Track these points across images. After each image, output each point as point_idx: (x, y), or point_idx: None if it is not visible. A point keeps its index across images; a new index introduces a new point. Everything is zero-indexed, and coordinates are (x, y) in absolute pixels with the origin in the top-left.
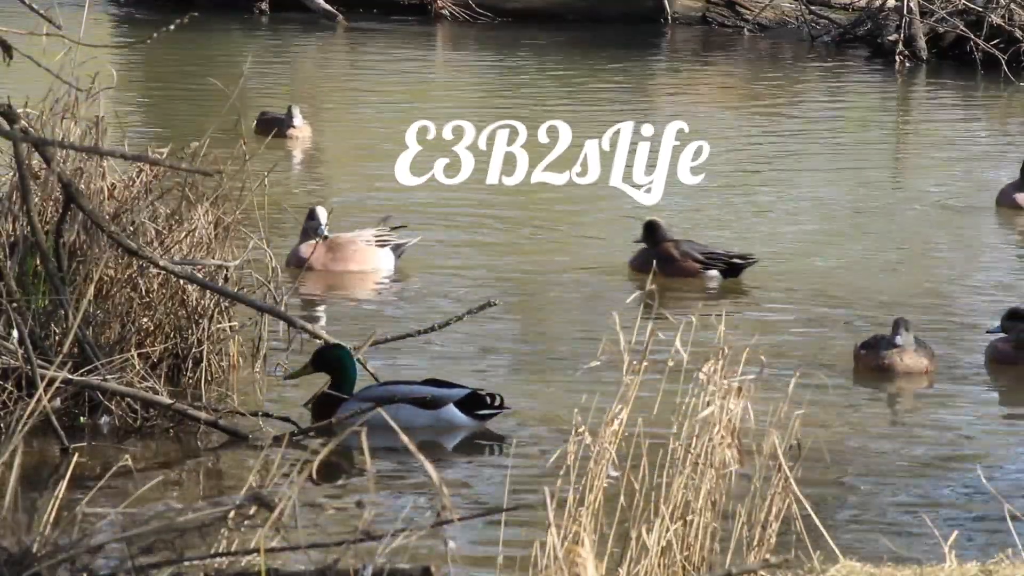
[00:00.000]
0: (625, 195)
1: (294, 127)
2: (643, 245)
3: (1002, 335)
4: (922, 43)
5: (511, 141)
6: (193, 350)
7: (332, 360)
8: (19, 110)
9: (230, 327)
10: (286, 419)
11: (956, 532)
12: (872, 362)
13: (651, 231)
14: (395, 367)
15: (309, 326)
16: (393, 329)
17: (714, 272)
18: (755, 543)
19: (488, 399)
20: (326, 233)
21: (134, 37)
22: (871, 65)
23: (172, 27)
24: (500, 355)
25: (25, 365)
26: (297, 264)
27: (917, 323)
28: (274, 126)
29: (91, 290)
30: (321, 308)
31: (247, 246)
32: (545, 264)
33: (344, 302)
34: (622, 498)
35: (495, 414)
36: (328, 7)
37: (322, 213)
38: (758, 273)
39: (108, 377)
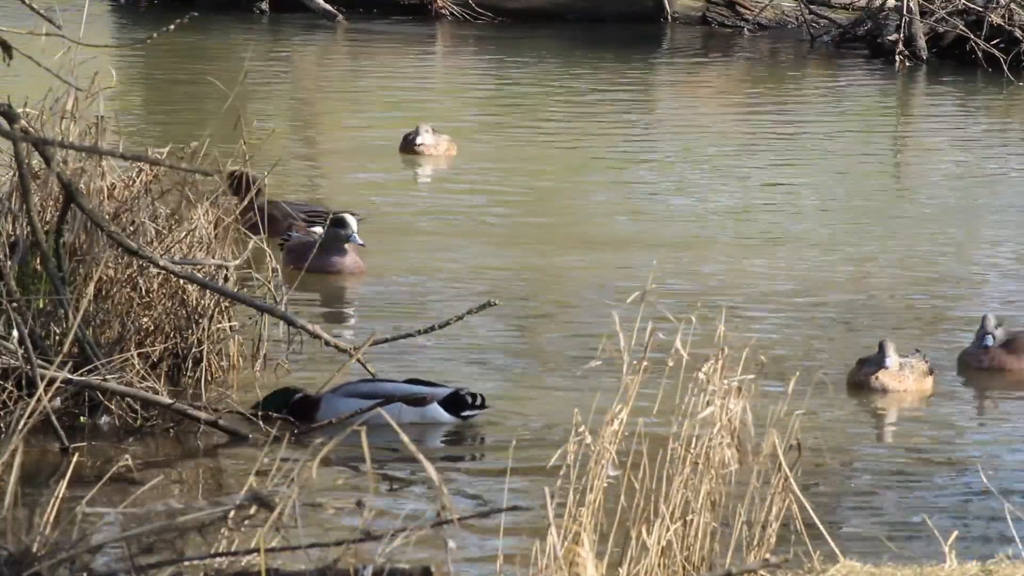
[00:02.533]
0: (624, 194)
1: (417, 145)
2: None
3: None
4: (922, 43)
5: (513, 142)
6: (193, 350)
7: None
8: (19, 110)
9: (230, 327)
10: (286, 419)
11: (956, 532)
12: (854, 377)
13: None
14: (395, 367)
15: (309, 326)
16: (393, 329)
17: (318, 229)
18: (755, 543)
19: (470, 398)
20: (360, 240)
21: (134, 37)
22: (871, 65)
23: (172, 27)
24: (500, 355)
25: (25, 365)
26: (334, 271)
27: (917, 324)
28: (410, 144)
29: (91, 290)
30: (321, 308)
31: (247, 246)
32: (545, 263)
33: (344, 302)
34: (622, 498)
35: (476, 413)
36: (328, 7)
37: (352, 221)
38: (756, 272)
39: (108, 377)
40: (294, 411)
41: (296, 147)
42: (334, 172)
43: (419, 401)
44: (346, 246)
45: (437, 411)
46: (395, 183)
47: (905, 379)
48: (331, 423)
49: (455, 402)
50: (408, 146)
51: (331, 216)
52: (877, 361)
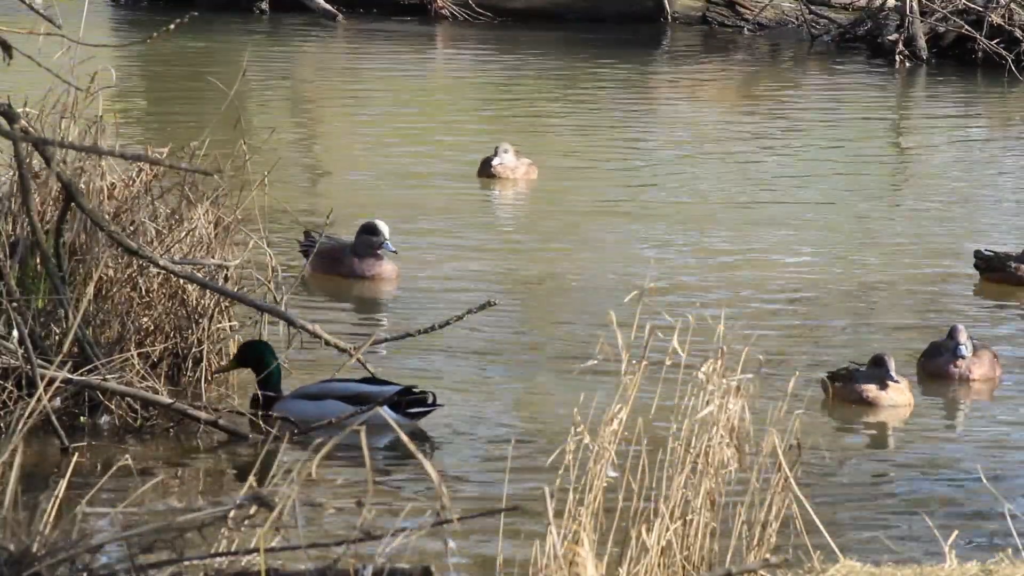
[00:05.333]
0: (623, 195)
1: (493, 166)
2: None
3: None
4: (922, 43)
5: (511, 141)
6: (193, 350)
7: (252, 356)
8: (19, 110)
9: (230, 327)
10: (286, 419)
11: (956, 532)
12: (852, 395)
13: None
14: (394, 367)
15: (309, 325)
16: (393, 329)
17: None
18: (755, 543)
19: (423, 396)
20: (393, 248)
21: (134, 37)
22: (871, 65)
23: (172, 27)
24: (499, 355)
25: (25, 365)
26: (370, 275)
27: (915, 324)
28: (486, 166)
29: (91, 290)
30: (322, 308)
31: (247, 246)
32: (544, 262)
33: (345, 301)
34: (622, 498)
35: (428, 412)
36: (328, 7)
37: (384, 227)
38: (756, 273)
39: (108, 377)
40: (257, 404)
41: (295, 147)
42: (333, 172)
43: (364, 400)
44: (379, 252)
45: (383, 410)
46: (393, 183)
47: (905, 391)
48: (331, 423)
49: (403, 401)
50: (486, 169)
51: (363, 222)
52: (879, 376)
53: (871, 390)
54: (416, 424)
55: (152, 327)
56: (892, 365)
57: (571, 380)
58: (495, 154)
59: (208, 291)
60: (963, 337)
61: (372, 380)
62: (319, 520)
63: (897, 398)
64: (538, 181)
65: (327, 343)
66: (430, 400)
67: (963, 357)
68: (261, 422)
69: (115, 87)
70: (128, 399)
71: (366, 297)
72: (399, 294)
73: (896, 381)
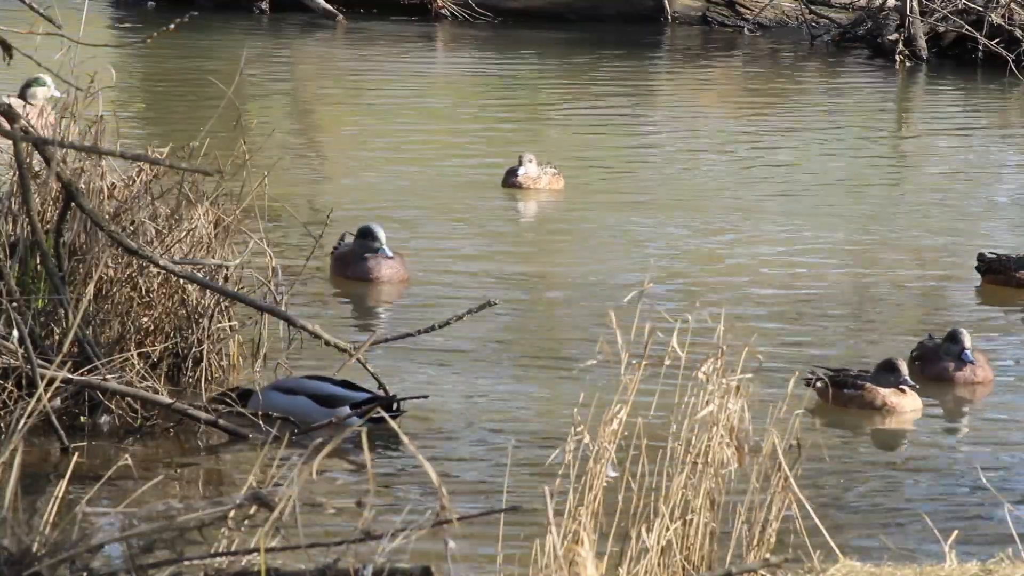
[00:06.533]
0: (622, 195)
1: (516, 176)
2: None
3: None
4: (922, 43)
5: (510, 141)
6: (193, 349)
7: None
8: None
9: (230, 327)
10: (287, 419)
11: (956, 532)
12: (864, 400)
13: None
14: (395, 367)
15: (309, 325)
16: (393, 329)
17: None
18: (755, 543)
19: (388, 401)
20: (389, 253)
21: (134, 37)
22: (871, 65)
23: (172, 27)
24: (499, 354)
25: (25, 365)
26: (370, 278)
27: (914, 326)
28: (510, 176)
29: (91, 290)
30: (322, 307)
31: (247, 246)
32: (545, 262)
33: (345, 301)
34: (622, 498)
35: (394, 417)
36: (328, 7)
37: (380, 232)
38: (756, 272)
39: (108, 377)
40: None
41: (295, 147)
42: (332, 172)
43: (333, 403)
44: (372, 263)
45: (346, 413)
46: (393, 182)
47: (916, 397)
48: (331, 423)
49: (369, 406)
50: (510, 180)
51: (360, 226)
52: (893, 382)
53: (887, 396)
54: (381, 426)
55: (152, 327)
56: (905, 370)
57: (571, 380)
58: (519, 164)
59: (208, 291)
60: (968, 341)
61: (347, 384)
62: (319, 520)
63: (914, 404)
64: (564, 191)
65: (327, 343)
66: (395, 406)
67: (971, 362)
68: (256, 419)
69: (115, 87)
70: (128, 399)
71: (367, 297)
72: (400, 294)
73: (913, 387)
